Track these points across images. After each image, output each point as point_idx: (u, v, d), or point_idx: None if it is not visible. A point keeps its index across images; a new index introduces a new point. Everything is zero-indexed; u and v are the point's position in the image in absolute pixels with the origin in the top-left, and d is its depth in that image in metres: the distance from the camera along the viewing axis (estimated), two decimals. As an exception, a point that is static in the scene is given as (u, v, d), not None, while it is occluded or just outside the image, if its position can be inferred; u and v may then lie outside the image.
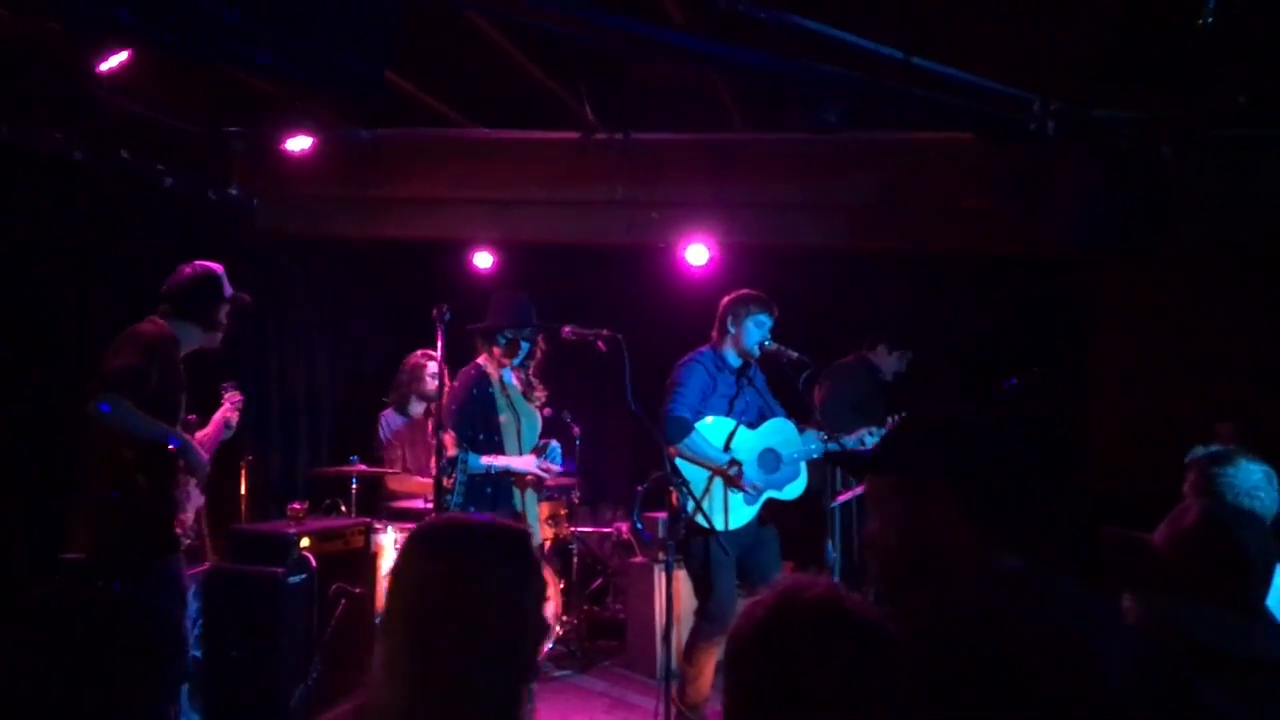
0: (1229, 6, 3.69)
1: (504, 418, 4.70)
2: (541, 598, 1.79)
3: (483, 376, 4.72)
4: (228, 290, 4.19)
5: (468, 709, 1.64)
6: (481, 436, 4.66)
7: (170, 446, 3.88)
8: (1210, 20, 3.63)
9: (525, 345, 4.79)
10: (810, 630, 1.40)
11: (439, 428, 4.59)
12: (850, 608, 1.42)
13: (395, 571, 1.76)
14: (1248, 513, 2.16)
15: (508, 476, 4.66)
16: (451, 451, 4.55)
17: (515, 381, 4.82)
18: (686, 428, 4.70)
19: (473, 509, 4.58)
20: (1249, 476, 2.83)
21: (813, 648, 1.39)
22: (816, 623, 1.41)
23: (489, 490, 4.63)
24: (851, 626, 1.41)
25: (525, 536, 1.81)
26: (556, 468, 4.79)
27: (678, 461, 4.70)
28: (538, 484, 4.82)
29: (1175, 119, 4.91)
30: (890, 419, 5.19)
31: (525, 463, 4.68)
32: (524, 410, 4.81)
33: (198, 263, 4.18)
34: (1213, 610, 1.86)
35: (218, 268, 4.19)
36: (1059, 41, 4.52)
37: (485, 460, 4.58)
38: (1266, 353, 6.31)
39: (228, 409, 4.69)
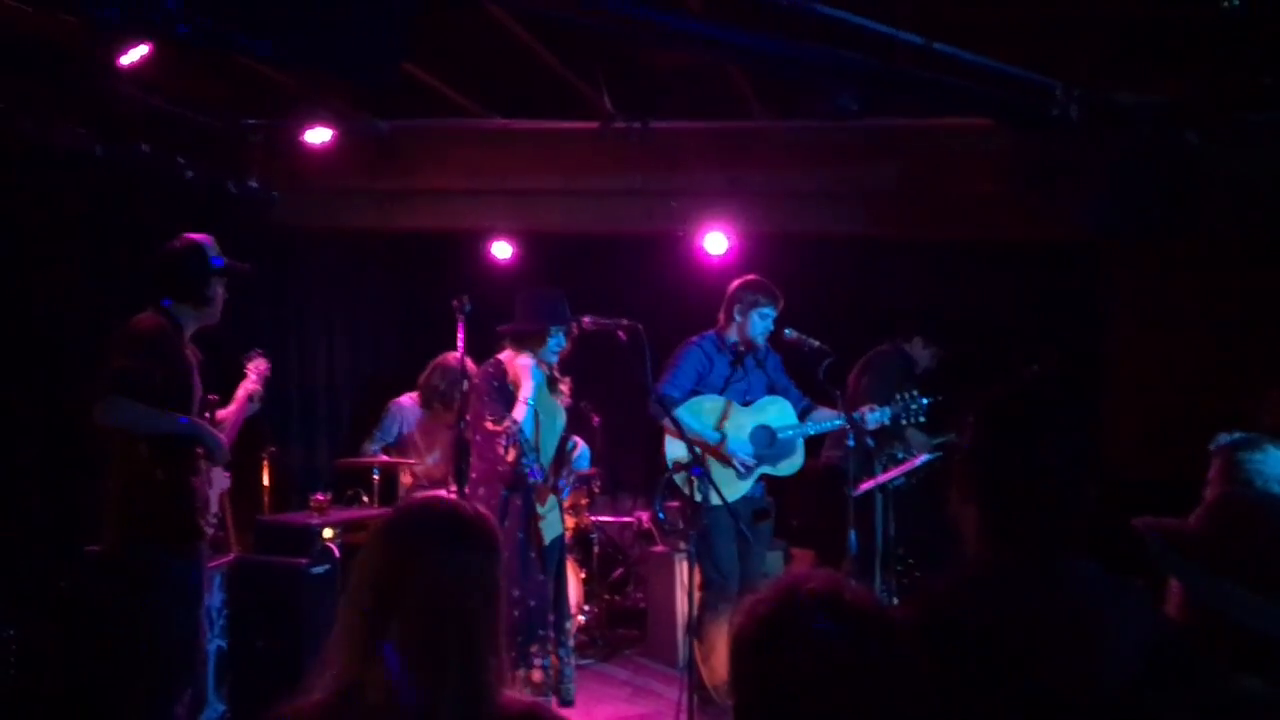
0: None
1: (522, 409, 4.70)
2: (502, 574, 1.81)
3: (500, 371, 4.73)
4: (216, 261, 3.99)
5: (474, 695, 1.66)
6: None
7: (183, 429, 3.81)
8: (1237, 2, 3.59)
9: (562, 340, 4.82)
10: (811, 624, 1.41)
11: (459, 422, 4.60)
12: (851, 598, 1.43)
13: (382, 564, 1.72)
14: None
15: (528, 495, 4.65)
16: (499, 427, 4.54)
17: (542, 376, 4.82)
18: (671, 404, 4.82)
19: (505, 494, 4.61)
20: (1277, 463, 2.80)
21: (815, 640, 1.40)
22: (818, 615, 1.42)
23: (505, 493, 4.64)
24: (853, 617, 1.41)
25: (490, 521, 1.82)
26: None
27: (666, 439, 4.82)
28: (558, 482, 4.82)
29: (1199, 103, 4.86)
30: (898, 397, 5.23)
31: (529, 390, 4.65)
32: (546, 406, 4.81)
33: (182, 236, 4.01)
34: (1257, 598, 1.84)
35: (204, 239, 4.01)
36: (1083, 26, 4.48)
37: (519, 412, 4.56)
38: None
39: (251, 381, 4.43)
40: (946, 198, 6.00)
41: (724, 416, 4.92)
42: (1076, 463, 1.73)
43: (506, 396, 4.64)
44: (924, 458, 5.25)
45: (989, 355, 6.53)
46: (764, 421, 5.02)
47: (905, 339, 6.27)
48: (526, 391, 4.62)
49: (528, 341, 4.76)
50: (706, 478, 4.61)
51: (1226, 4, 3.70)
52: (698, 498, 4.59)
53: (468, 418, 4.62)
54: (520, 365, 4.66)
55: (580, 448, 4.89)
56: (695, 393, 4.93)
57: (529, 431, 4.66)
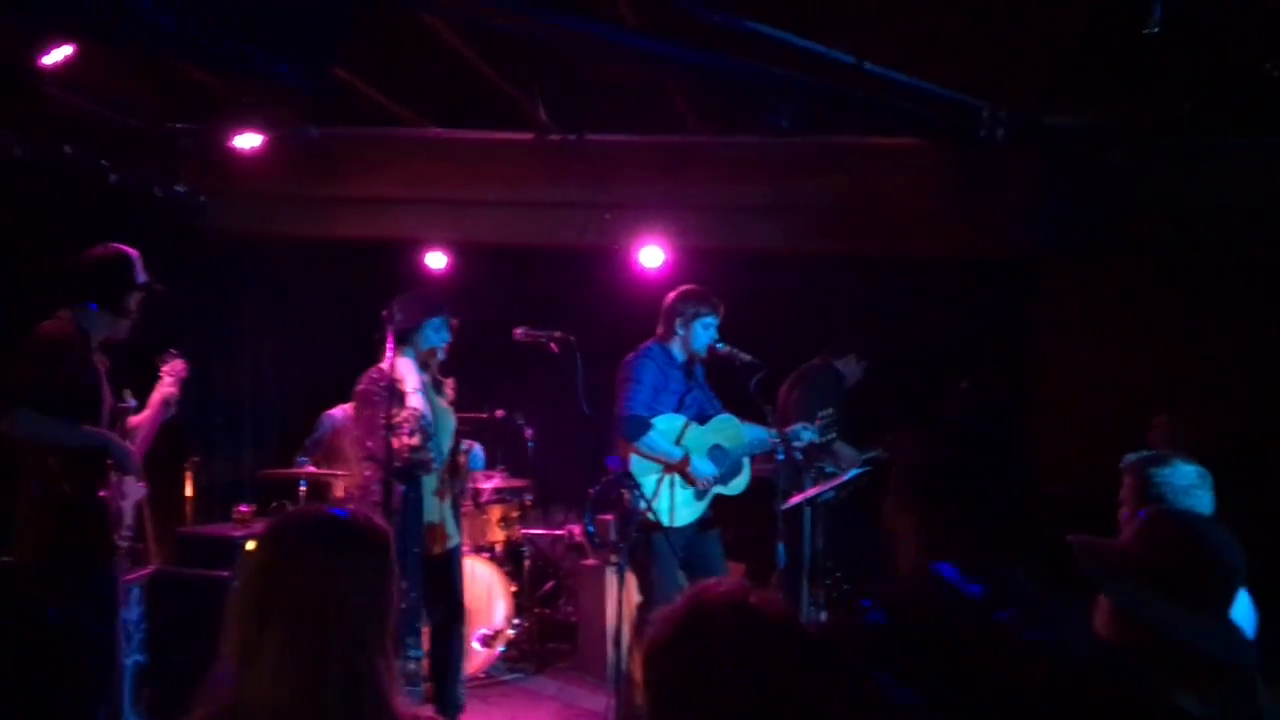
0: (1175, 16, 3.75)
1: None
2: (396, 580, 1.81)
3: (384, 374, 4.55)
4: (139, 276, 3.96)
5: (358, 698, 1.66)
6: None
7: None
8: (1157, 29, 3.69)
9: (446, 334, 4.72)
10: (718, 627, 1.45)
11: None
12: (756, 603, 1.48)
13: (262, 567, 1.73)
14: (1216, 522, 2.19)
15: (418, 489, 4.57)
16: (400, 417, 4.44)
17: (427, 380, 4.74)
18: (644, 426, 4.71)
19: (405, 490, 4.51)
20: (1184, 477, 2.87)
21: (721, 643, 1.43)
22: (724, 620, 1.46)
23: (404, 489, 4.53)
24: (758, 621, 1.46)
25: (379, 526, 1.83)
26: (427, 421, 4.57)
27: (632, 458, 4.70)
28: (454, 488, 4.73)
29: (1122, 126, 4.99)
30: (818, 417, 5.17)
31: (414, 382, 4.54)
32: (439, 409, 4.73)
33: (108, 245, 3.97)
34: (1188, 614, 1.89)
35: (131, 251, 3.98)
36: (1010, 49, 4.58)
37: (418, 401, 4.46)
38: (1206, 352, 6.44)
39: (166, 384, 4.30)
40: (880, 214, 6.07)
41: (681, 434, 4.86)
42: (1010, 474, 1.76)
43: (396, 397, 4.51)
44: (852, 472, 5.29)
45: (921, 370, 6.63)
46: (717, 440, 4.95)
47: (836, 354, 6.33)
48: (414, 383, 4.52)
49: (409, 339, 4.66)
50: (641, 494, 4.58)
51: (1148, 30, 3.80)
52: (649, 515, 4.57)
53: (358, 424, 4.56)
54: (401, 363, 4.57)
55: (473, 449, 4.78)
56: (653, 410, 4.80)
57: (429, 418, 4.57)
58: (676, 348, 4.93)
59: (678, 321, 4.90)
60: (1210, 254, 6.07)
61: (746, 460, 5.03)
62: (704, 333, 4.87)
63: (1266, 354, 6.36)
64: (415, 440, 4.38)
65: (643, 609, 4.84)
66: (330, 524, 1.78)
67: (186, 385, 4.54)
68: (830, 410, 5.20)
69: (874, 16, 4.43)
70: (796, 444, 5.02)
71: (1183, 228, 5.67)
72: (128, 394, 4.14)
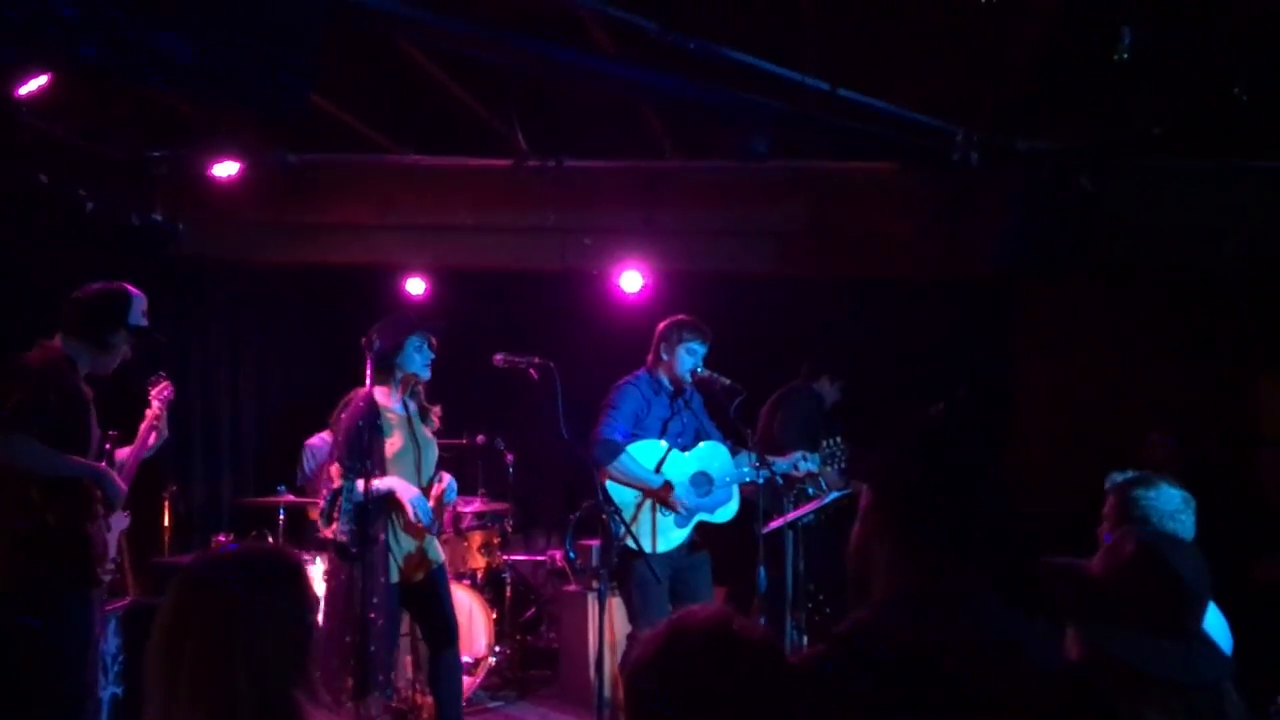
0: (1143, 42, 3.81)
1: (397, 442, 4.54)
2: (315, 609, 1.87)
3: (371, 407, 4.43)
4: (134, 318, 3.94)
5: None
6: (370, 466, 4.43)
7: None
8: (1126, 55, 3.74)
9: (428, 353, 4.64)
10: (699, 652, 1.45)
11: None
12: (738, 629, 1.48)
13: (173, 608, 1.81)
14: (1182, 541, 2.20)
15: (381, 510, 4.40)
16: (336, 483, 4.36)
17: (413, 408, 4.67)
18: (615, 450, 4.71)
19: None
20: (1170, 500, 2.88)
21: (702, 669, 1.43)
22: (705, 644, 1.46)
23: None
24: (739, 647, 1.46)
25: (287, 556, 1.90)
26: (425, 520, 4.45)
27: (608, 484, 4.69)
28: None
29: (1093, 150, 5.05)
30: (824, 443, 5.27)
31: (407, 490, 4.43)
32: (422, 439, 4.67)
33: (118, 282, 3.97)
34: (1151, 640, 1.91)
35: (135, 292, 3.97)
36: (982, 74, 4.63)
37: (371, 484, 4.29)
38: (1181, 370, 6.51)
39: (155, 410, 4.25)
40: (855, 236, 6.13)
41: (663, 461, 4.85)
42: (993, 496, 1.76)
43: (363, 443, 4.32)
44: (834, 494, 5.30)
45: (898, 391, 6.66)
46: (702, 467, 4.93)
47: (813, 378, 6.36)
48: (400, 495, 4.39)
49: (391, 365, 4.56)
50: (620, 519, 4.56)
51: (1118, 56, 3.86)
52: (629, 543, 4.55)
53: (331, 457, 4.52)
54: (403, 490, 4.41)
55: (447, 481, 4.69)
56: (631, 436, 4.82)
57: (408, 471, 4.53)
58: (662, 374, 4.95)
59: (663, 347, 4.93)
60: (1180, 274, 6.14)
61: (735, 489, 5.01)
62: (688, 358, 4.89)
63: (1240, 372, 6.43)
64: (341, 534, 4.28)
65: (631, 638, 4.80)
66: (234, 562, 1.84)
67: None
68: (838, 439, 5.23)
69: (847, 42, 4.48)
70: (795, 474, 5.03)
71: (1153, 248, 5.74)
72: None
